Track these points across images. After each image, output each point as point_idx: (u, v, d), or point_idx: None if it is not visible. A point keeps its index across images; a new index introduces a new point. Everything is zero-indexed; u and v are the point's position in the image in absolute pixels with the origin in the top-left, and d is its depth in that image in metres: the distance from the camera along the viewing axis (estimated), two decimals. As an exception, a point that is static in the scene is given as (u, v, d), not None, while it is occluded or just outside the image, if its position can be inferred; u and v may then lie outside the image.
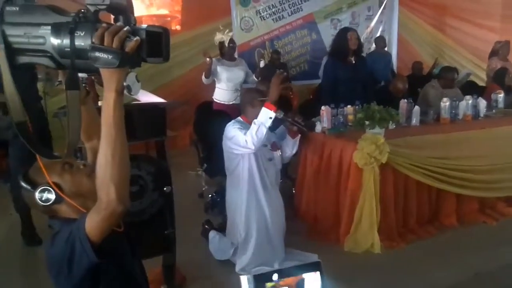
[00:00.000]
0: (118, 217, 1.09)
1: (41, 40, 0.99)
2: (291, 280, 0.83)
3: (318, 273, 0.84)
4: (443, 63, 7.26)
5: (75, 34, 0.96)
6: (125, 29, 0.94)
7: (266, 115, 2.78)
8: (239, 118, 3.09)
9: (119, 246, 1.30)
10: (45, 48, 0.99)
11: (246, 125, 2.95)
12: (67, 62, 0.99)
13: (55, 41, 0.97)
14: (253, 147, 2.82)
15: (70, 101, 1.01)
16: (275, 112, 2.78)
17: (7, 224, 3.84)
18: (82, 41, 0.96)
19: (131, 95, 1.05)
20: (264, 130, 2.78)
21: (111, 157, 1.02)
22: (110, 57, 0.93)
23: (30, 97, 3.32)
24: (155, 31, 0.96)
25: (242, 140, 2.83)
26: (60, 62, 1.00)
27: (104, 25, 0.95)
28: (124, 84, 1.00)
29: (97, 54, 0.93)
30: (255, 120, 2.80)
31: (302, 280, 0.84)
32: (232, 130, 2.94)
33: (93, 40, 0.94)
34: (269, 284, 0.79)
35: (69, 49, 0.97)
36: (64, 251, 1.15)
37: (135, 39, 0.94)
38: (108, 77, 0.98)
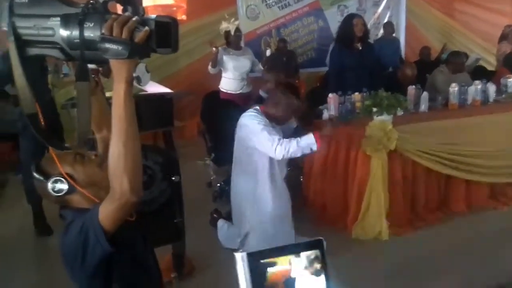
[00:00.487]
0: (132, 207, 1.11)
1: (50, 32, 0.98)
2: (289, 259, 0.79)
3: (318, 251, 0.81)
4: (451, 48, 7.16)
5: (84, 25, 0.96)
6: (133, 19, 0.94)
7: (311, 144, 2.78)
8: (257, 107, 3.04)
9: (131, 235, 1.31)
10: (54, 40, 0.99)
11: (264, 118, 2.92)
12: (77, 53, 0.99)
13: (64, 32, 0.97)
14: (280, 158, 2.85)
15: (79, 92, 1.02)
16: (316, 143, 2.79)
17: (19, 215, 3.89)
18: (91, 32, 0.96)
19: (141, 86, 1.05)
20: (299, 154, 2.82)
21: (123, 148, 1.03)
22: (119, 48, 0.93)
23: (40, 89, 3.33)
24: (164, 21, 0.95)
25: (270, 147, 2.80)
26: (69, 54, 1.00)
27: (114, 16, 0.95)
28: (134, 75, 1.00)
29: (107, 45, 0.93)
30: (300, 143, 2.77)
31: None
32: (257, 125, 2.86)
33: (103, 31, 0.94)
34: (267, 269, 0.76)
35: (78, 41, 0.96)
36: (78, 240, 1.17)
37: (144, 29, 0.93)
38: (118, 68, 0.98)
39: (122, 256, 1.23)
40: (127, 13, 0.97)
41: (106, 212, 1.12)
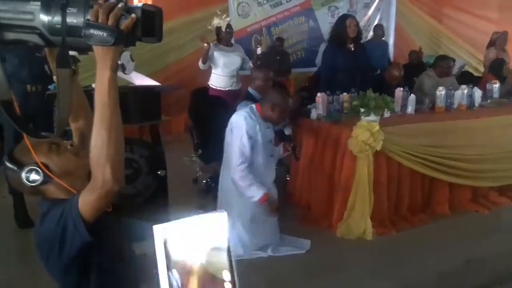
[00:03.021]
0: (113, 196, 1.08)
1: (29, 16, 0.95)
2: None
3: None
4: (438, 52, 7.27)
5: (67, 11, 0.93)
6: (119, 6, 0.92)
7: (252, 196, 2.87)
8: (253, 106, 3.05)
9: (109, 226, 1.29)
10: (34, 25, 0.96)
11: (258, 119, 2.96)
12: (57, 39, 0.96)
13: (45, 17, 0.94)
14: (232, 177, 2.92)
15: (60, 80, 0.99)
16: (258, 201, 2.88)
17: None
18: (74, 18, 0.93)
19: (125, 74, 1.03)
20: (242, 190, 2.90)
21: (107, 137, 1.01)
22: (105, 34, 0.91)
23: (19, 77, 3.28)
24: (149, 10, 0.94)
25: (234, 164, 2.90)
26: (49, 40, 0.97)
27: (100, 1, 0.93)
28: (119, 62, 0.98)
29: (92, 31, 0.91)
30: (251, 188, 2.87)
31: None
32: (237, 135, 2.91)
33: (88, 17, 0.92)
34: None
35: (60, 26, 0.94)
36: (55, 230, 1.14)
37: (131, 16, 0.92)
38: (103, 55, 0.96)
39: (100, 247, 1.20)
40: (112, 0, 0.95)
41: (87, 201, 1.10)
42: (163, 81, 4.78)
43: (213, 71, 5.02)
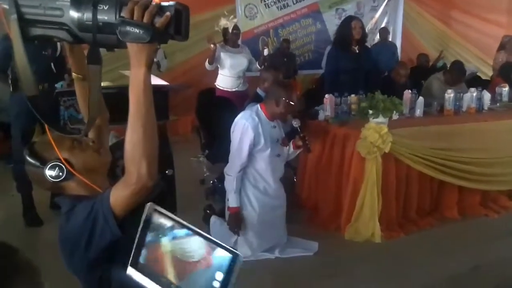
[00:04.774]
0: (147, 191, 1.08)
1: (58, 12, 0.96)
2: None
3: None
4: (447, 56, 7.23)
5: (98, 8, 0.94)
6: (154, 3, 0.93)
7: (228, 200, 2.98)
8: (258, 106, 3.03)
9: (128, 224, 1.29)
10: (62, 21, 0.96)
11: (261, 119, 2.94)
12: (86, 36, 0.96)
13: (75, 14, 0.95)
14: (227, 177, 2.98)
15: (91, 76, 1.01)
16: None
17: (8, 205, 3.84)
18: (105, 15, 0.94)
19: (160, 71, 1.03)
20: (228, 191, 2.98)
21: (143, 133, 1.01)
22: (141, 32, 0.91)
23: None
24: (179, 8, 0.95)
25: (229, 166, 2.97)
26: (78, 36, 0.97)
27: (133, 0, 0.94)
28: (154, 60, 0.98)
29: (128, 28, 0.91)
30: (231, 194, 2.95)
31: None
32: (237, 139, 2.91)
33: (122, 14, 0.93)
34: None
35: (90, 23, 0.94)
36: (85, 225, 1.13)
37: (165, 14, 0.93)
38: (137, 52, 0.96)
39: (126, 243, 1.19)
40: None
41: (119, 196, 1.09)
42: (170, 81, 4.77)
43: (219, 72, 5.03)
